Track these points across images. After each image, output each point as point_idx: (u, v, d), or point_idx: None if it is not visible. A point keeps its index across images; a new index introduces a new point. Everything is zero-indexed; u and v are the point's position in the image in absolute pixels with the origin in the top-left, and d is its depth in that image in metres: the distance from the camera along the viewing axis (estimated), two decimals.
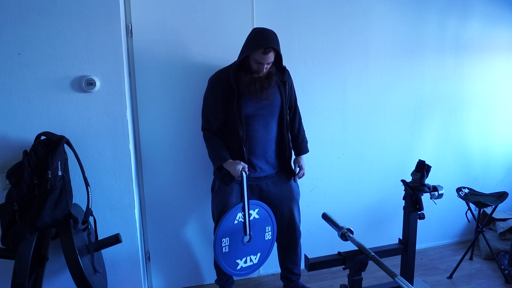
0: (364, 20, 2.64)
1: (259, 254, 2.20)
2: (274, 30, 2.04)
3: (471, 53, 2.97)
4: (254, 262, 2.20)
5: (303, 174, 2.34)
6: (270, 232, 2.20)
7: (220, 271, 2.39)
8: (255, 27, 2.09)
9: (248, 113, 2.08)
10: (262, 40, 1.95)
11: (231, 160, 2.07)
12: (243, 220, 2.09)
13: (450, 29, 2.87)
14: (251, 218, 2.12)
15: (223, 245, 2.07)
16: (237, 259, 2.14)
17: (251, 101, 2.07)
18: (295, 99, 2.30)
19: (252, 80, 2.01)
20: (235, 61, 2.08)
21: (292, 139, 2.31)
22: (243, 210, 2.07)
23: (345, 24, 2.60)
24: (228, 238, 2.08)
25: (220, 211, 2.18)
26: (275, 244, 2.40)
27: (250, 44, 1.98)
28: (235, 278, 2.51)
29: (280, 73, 2.16)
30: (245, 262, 2.17)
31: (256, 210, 2.14)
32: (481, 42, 2.98)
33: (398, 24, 2.73)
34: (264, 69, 2.02)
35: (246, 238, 2.14)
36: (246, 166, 2.06)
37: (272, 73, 2.08)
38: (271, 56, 1.98)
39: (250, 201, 2.09)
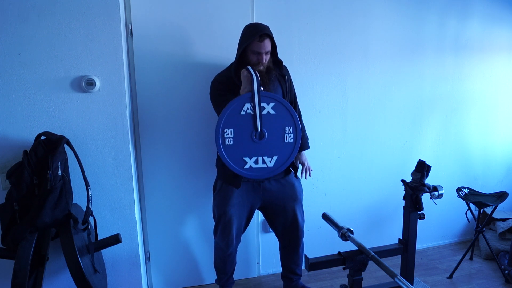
0: (364, 20, 2.64)
1: (275, 157, 1.95)
2: (274, 30, 2.05)
3: (471, 53, 2.97)
4: (269, 166, 1.96)
5: (308, 170, 2.34)
6: (292, 134, 1.94)
7: (220, 270, 2.38)
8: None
9: None
10: (255, 29, 1.98)
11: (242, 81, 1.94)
12: (252, 113, 1.87)
13: (450, 29, 2.87)
14: (264, 112, 1.89)
15: (225, 136, 1.87)
16: (245, 156, 1.93)
17: None
18: (294, 94, 2.30)
19: None
20: (233, 62, 2.08)
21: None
22: (253, 101, 1.85)
23: (345, 24, 2.60)
24: (232, 130, 1.87)
25: (221, 211, 2.18)
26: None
27: (245, 37, 2.01)
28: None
29: (278, 67, 2.17)
30: (256, 162, 1.94)
31: (272, 105, 1.90)
32: (481, 42, 2.99)
33: (398, 24, 2.73)
34: (263, 60, 2.01)
35: (258, 134, 1.92)
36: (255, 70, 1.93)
37: (271, 68, 2.09)
38: (267, 44, 1.98)
39: (264, 92, 1.89)
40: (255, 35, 1.96)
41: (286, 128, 1.95)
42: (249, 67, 1.91)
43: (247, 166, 1.94)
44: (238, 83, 2.03)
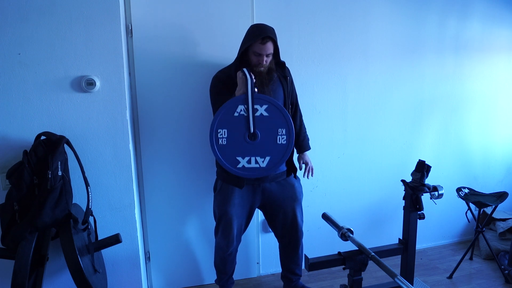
0: (364, 20, 2.64)
1: (268, 158, 1.99)
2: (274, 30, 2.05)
3: (471, 53, 2.97)
4: (261, 166, 2.00)
5: (312, 169, 2.35)
6: (284, 136, 1.97)
7: (220, 270, 2.39)
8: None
9: None
10: (259, 31, 1.98)
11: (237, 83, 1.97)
12: (245, 114, 1.90)
13: (450, 29, 2.87)
14: (257, 114, 1.92)
15: (219, 136, 1.92)
16: (238, 156, 1.97)
17: None
18: (296, 95, 2.31)
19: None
20: (235, 60, 2.08)
21: (294, 136, 2.30)
22: (246, 103, 1.88)
23: (345, 24, 2.60)
24: (225, 130, 1.92)
25: (222, 211, 2.18)
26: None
27: (248, 37, 2.01)
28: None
29: (280, 68, 2.17)
30: (249, 162, 1.98)
31: (265, 107, 1.93)
32: (481, 42, 2.98)
33: (398, 24, 2.73)
34: (264, 61, 2.02)
35: (251, 135, 1.95)
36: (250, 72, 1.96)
37: (272, 69, 2.09)
38: (269, 47, 1.98)
39: (258, 94, 1.92)
40: (258, 36, 1.96)
41: (279, 130, 1.97)
42: (245, 69, 1.92)
43: (240, 166, 1.97)
44: (237, 81, 2.03)
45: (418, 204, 2.05)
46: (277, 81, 2.13)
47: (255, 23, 2.36)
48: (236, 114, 1.91)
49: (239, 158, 1.97)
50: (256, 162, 1.99)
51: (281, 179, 2.22)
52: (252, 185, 2.16)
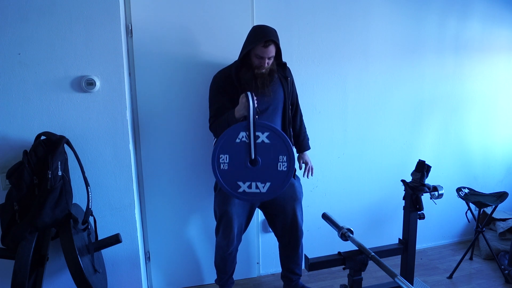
0: (364, 20, 2.64)
1: (268, 184, 2.01)
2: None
3: (471, 53, 2.98)
4: (262, 191, 2.02)
5: (311, 169, 2.36)
6: (285, 163, 1.99)
7: (220, 269, 2.38)
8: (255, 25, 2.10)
9: None
10: (261, 34, 1.97)
11: (237, 107, 1.98)
12: (247, 141, 1.93)
13: (450, 29, 2.87)
14: (259, 141, 1.96)
15: (221, 161, 1.95)
16: (239, 181, 2.00)
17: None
18: (296, 96, 2.31)
19: (254, 77, 2.02)
20: (236, 60, 2.09)
21: (294, 136, 2.31)
22: (248, 130, 1.91)
23: (345, 24, 2.60)
24: (227, 156, 1.95)
25: (222, 210, 2.18)
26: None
27: (250, 39, 2.01)
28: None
29: (281, 69, 2.18)
30: (250, 187, 2.01)
31: (266, 134, 1.96)
32: (481, 42, 2.99)
33: (398, 24, 2.73)
34: (266, 64, 2.02)
35: (252, 161, 1.98)
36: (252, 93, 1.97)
37: (274, 70, 2.09)
38: (271, 50, 1.98)
39: (260, 121, 1.96)
40: (260, 39, 1.95)
41: (280, 157, 2.00)
42: (249, 94, 1.91)
43: (240, 190, 2.01)
44: (236, 83, 2.03)
45: (418, 204, 2.05)
46: (277, 82, 2.14)
47: (255, 23, 2.37)
48: (237, 140, 1.94)
49: (240, 183, 2.00)
50: (257, 187, 2.02)
51: None
52: None
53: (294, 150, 2.31)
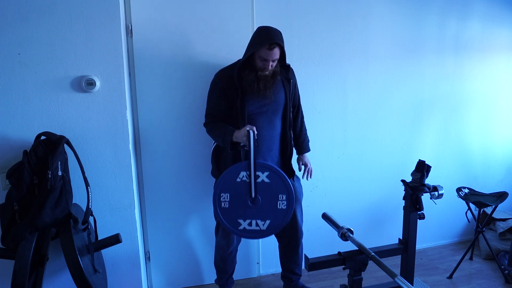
0: (364, 20, 2.64)
1: (268, 221, 2.04)
2: None
3: (471, 53, 2.98)
4: (262, 228, 2.05)
5: (311, 171, 2.36)
6: (285, 202, 2.03)
7: (220, 269, 2.39)
8: (259, 26, 2.07)
9: (252, 110, 2.07)
10: (267, 36, 1.95)
11: (236, 130, 2.00)
12: (247, 180, 1.97)
13: (450, 29, 2.87)
14: (259, 180, 1.99)
15: (222, 200, 1.99)
16: (239, 218, 2.03)
17: (255, 99, 2.06)
18: (298, 97, 2.31)
19: (256, 79, 2.01)
20: (240, 60, 2.08)
21: (295, 137, 2.31)
22: (249, 169, 1.95)
23: (345, 24, 2.60)
24: (228, 194, 1.99)
25: None
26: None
27: (255, 41, 1.99)
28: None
29: (284, 70, 2.17)
30: (250, 225, 2.03)
31: (266, 174, 2.00)
32: (481, 42, 2.99)
33: (398, 24, 2.73)
34: (269, 67, 2.01)
35: (253, 200, 2.00)
36: (254, 127, 1.97)
37: (277, 72, 2.07)
38: (276, 53, 1.97)
39: (260, 162, 1.99)
40: (265, 42, 1.93)
41: (280, 195, 2.03)
42: (252, 133, 1.90)
43: (241, 227, 2.02)
44: (237, 83, 2.03)
45: (418, 204, 2.05)
46: (279, 84, 2.13)
47: (255, 23, 2.37)
48: (238, 179, 1.98)
49: (241, 221, 2.02)
50: (257, 225, 2.04)
51: None
52: None
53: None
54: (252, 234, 2.04)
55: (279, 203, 2.04)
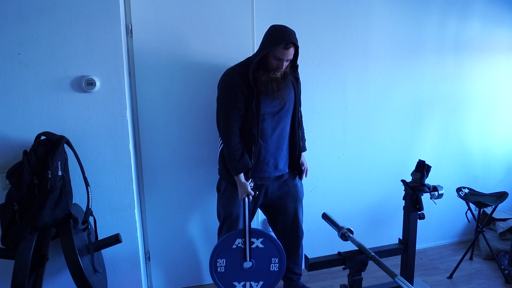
0: (364, 20, 2.64)
1: (261, 283, 2.20)
2: None
3: (471, 53, 2.97)
4: None
5: (306, 170, 2.35)
6: (277, 264, 2.18)
7: None
8: (272, 24, 2.03)
9: (265, 112, 2.04)
10: (283, 36, 1.91)
11: (243, 180, 2.06)
12: (242, 247, 2.11)
13: (450, 29, 2.87)
14: (254, 246, 2.13)
15: (218, 265, 2.12)
16: (234, 281, 2.16)
17: (268, 100, 2.02)
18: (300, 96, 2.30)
19: (269, 80, 1.97)
20: (249, 58, 2.05)
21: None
22: (244, 236, 2.09)
23: (345, 24, 2.60)
24: (224, 260, 2.13)
25: (227, 212, 2.19)
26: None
27: (270, 40, 1.94)
28: None
29: (293, 70, 2.14)
30: (244, 286, 2.19)
31: (261, 240, 2.14)
32: (481, 42, 2.98)
33: (398, 24, 2.73)
34: (283, 67, 1.98)
35: (247, 264, 2.15)
36: (252, 193, 2.07)
37: (287, 72, 2.05)
38: (291, 52, 1.94)
39: (255, 229, 2.11)
40: (282, 41, 1.90)
41: (273, 259, 2.18)
42: (247, 202, 2.07)
43: None
44: (253, 84, 1.97)
45: (418, 204, 2.05)
46: (289, 83, 2.11)
47: (255, 23, 2.36)
48: (234, 246, 2.12)
49: (235, 283, 2.17)
50: (251, 286, 2.20)
51: (284, 179, 2.22)
52: (256, 184, 2.16)
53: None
54: None
55: (272, 266, 2.20)
